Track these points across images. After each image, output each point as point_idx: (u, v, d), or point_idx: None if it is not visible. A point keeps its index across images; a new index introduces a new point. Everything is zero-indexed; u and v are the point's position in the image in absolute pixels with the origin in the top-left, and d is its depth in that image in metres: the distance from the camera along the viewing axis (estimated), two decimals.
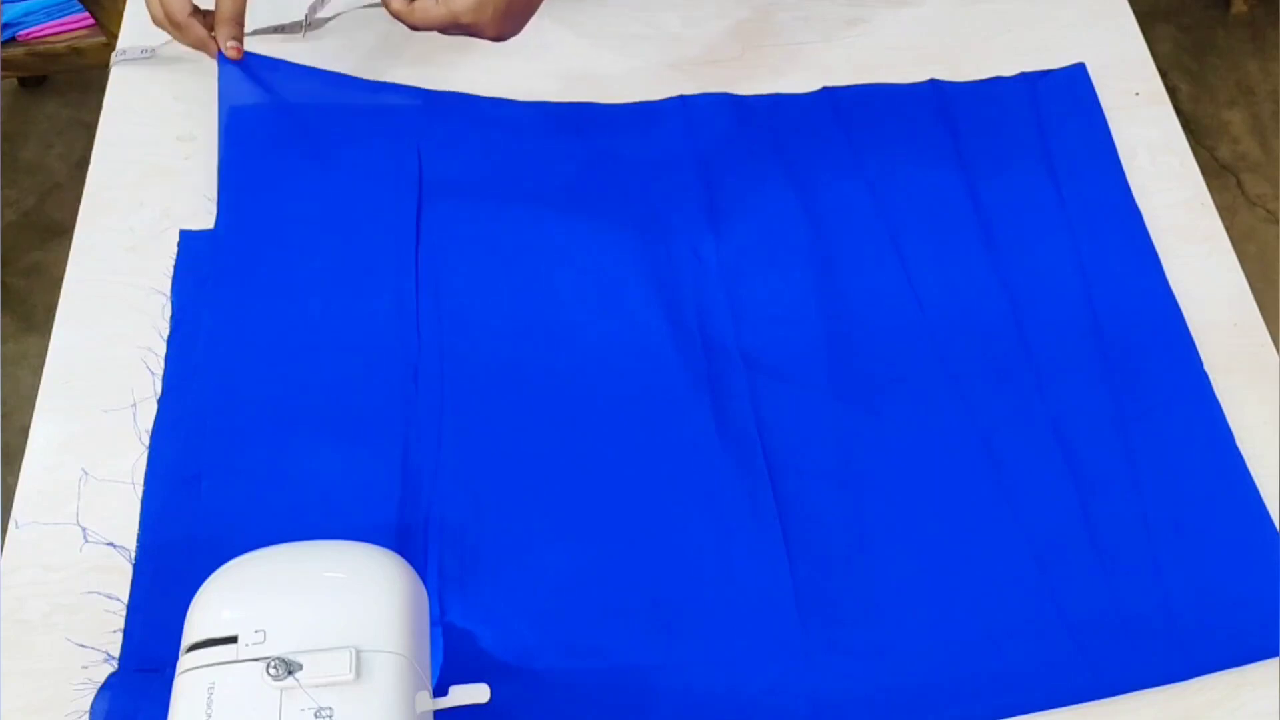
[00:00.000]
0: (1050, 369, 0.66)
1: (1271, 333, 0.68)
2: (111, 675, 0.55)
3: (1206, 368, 0.66)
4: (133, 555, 0.59)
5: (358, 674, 0.42)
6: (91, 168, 0.73)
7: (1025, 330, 0.67)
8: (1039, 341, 0.67)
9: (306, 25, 0.78)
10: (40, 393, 0.64)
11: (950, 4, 0.84)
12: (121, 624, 0.57)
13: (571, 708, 0.55)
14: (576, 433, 0.63)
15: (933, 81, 0.77)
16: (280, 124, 0.74)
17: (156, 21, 0.73)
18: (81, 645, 0.57)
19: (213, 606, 0.46)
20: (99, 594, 0.58)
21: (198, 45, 0.74)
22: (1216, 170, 1.60)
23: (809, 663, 0.56)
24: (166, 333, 0.66)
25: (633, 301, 0.68)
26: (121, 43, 0.79)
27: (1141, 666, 0.56)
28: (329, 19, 0.79)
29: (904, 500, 0.61)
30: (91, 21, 1.39)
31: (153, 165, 0.73)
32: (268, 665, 0.41)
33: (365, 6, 0.79)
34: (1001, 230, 0.71)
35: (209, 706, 0.41)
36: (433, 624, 0.54)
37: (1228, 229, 0.73)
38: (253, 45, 0.75)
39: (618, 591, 0.58)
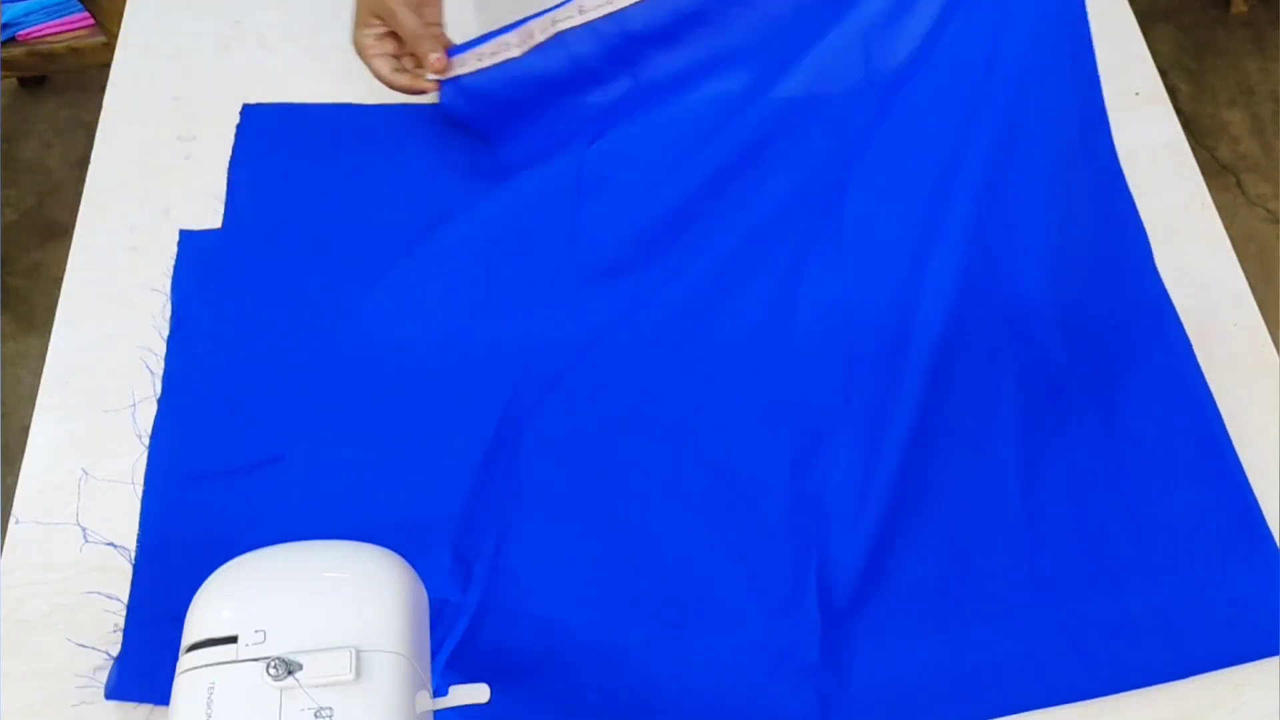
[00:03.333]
0: (1031, 367, 0.65)
1: (1271, 333, 0.68)
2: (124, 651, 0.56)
3: (1206, 368, 0.66)
4: (133, 555, 0.59)
5: (358, 674, 0.42)
6: (91, 168, 0.73)
7: (1004, 330, 0.66)
8: (1021, 341, 0.65)
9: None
10: (40, 393, 0.64)
11: None
12: (121, 623, 0.57)
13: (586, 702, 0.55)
14: (589, 434, 0.63)
15: None
16: (294, 123, 0.75)
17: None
18: (81, 645, 0.57)
19: (213, 606, 0.46)
20: (99, 594, 0.58)
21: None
22: (1216, 170, 1.60)
23: (816, 662, 0.56)
24: (166, 333, 0.66)
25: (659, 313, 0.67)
26: (120, 52, 0.79)
27: (1139, 665, 0.57)
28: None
29: (903, 506, 0.61)
30: (91, 21, 1.39)
31: (153, 165, 0.73)
32: (268, 665, 0.41)
33: None
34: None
35: (209, 706, 0.41)
36: (452, 611, 0.55)
37: (1228, 229, 0.73)
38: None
39: (631, 590, 0.59)
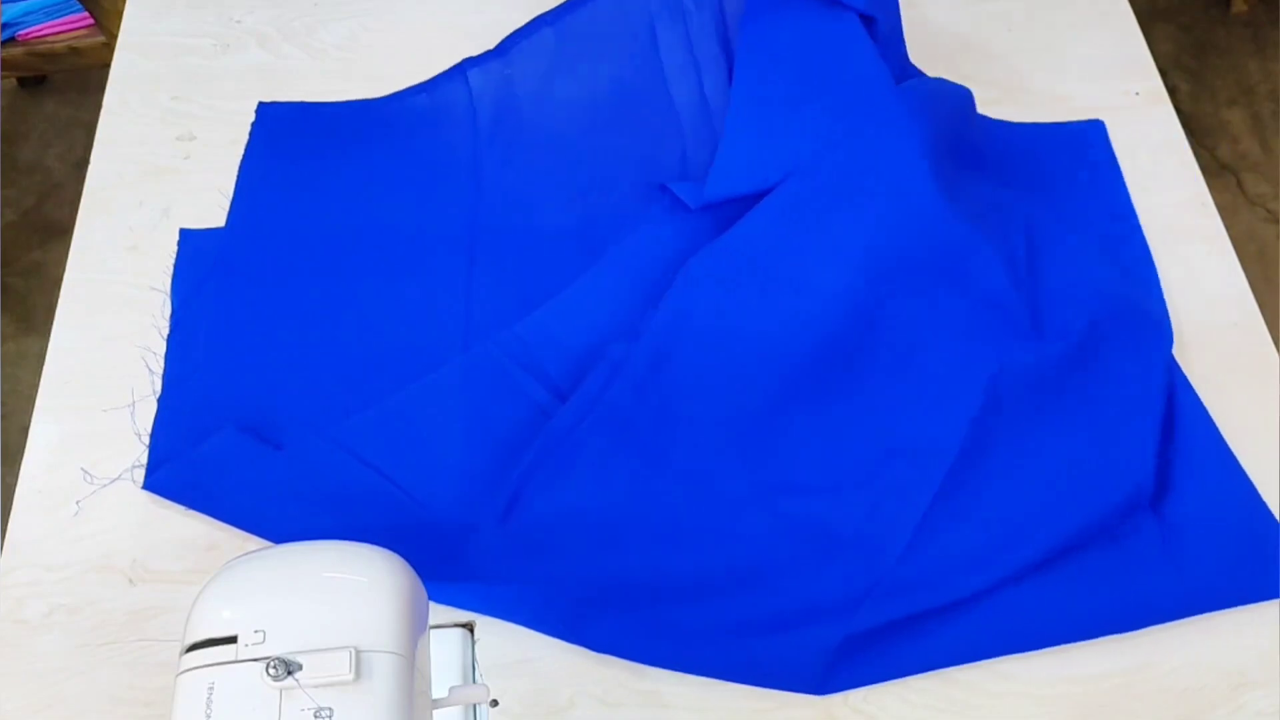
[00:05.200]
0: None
1: (1271, 333, 0.68)
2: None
3: (1207, 368, 0.66)
4: (132, 557, 0.59)
5: (357, 674, 0.42)
6: (91, 167, 0.73)
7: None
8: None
9: None
10: (40, 393, 0.64)
11: (951, 5, 0.84)
12: (119, 626, 0.57)
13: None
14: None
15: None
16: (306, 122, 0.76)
17: None
18: (81, 645, 0.57)
19: (213, 606, 0.46)
20: (99, 594, 0.58)
21: None
22: (1216, 170, 1.60)
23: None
24: (166, 332, 0.66)
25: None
26: (120, 52, 0.79)
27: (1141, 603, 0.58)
28: None
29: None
30: (91, 21, 1.39)
31: (152, 165, 0.73)
32: (267, 665, 0.41)
33: None
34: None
35: (209, 706, 0.41)
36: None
37: (1228, 229, 0.72)
38: None
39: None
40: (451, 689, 0.49)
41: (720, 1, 0.76)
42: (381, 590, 0.46)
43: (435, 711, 0.48)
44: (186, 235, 0.70)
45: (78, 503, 0.61)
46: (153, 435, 0.63)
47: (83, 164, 0.73)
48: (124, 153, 0.74)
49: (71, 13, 1.42)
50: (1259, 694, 0.57)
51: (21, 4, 1.41)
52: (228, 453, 0.61)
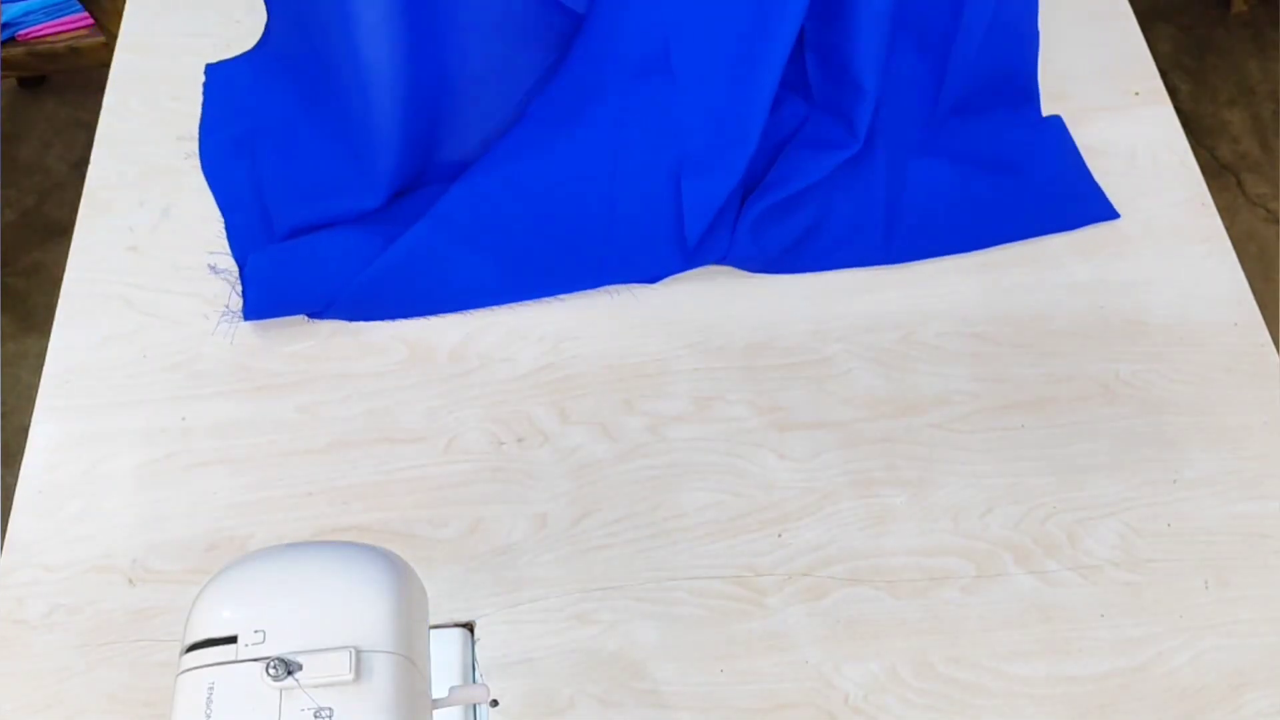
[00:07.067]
0: None
1: (1271, 333, 0.68)
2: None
3: (1206, 368, 0.66)
4: (132, 557, 0.59)
5: (357, 674, 0.42)
6: (91, 167, 0.73)
7: None
8: None
9: None
10: (40, 393, 0.64)
11: None
12: (119, 626, 0.57)
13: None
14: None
15: None
16: None
17: None
18: (81, 645, 0.57)
19: (212, 606, 0.46)
20: (99, 594, 0.58)
21: None
22: (1216, 170, 1.60)
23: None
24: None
25: None
26: (120, 52, 0.79)
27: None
28: None
29: None
30: (91, 21, 1.39)
31: (152, 165, 0.73)
32: (267, 665, 0.41)
33: None
34: None
35: (209, 706, 0.41)
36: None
37: (1228, 229, 0.73)
38: None
39: None
40: (451, 689, 0.49)
41: None
42: (381, 590, 0.46)
43: (435, 711, 0.48)
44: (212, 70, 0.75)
45: (78, 502, 0.61)
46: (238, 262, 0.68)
47: (83, 164, 0.73)
48: (124, 153, 0.74)
49: (71, 13, 1.42)
50: (1259, 694, 0.57)
51: (21, 4, 1.41)
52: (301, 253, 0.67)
